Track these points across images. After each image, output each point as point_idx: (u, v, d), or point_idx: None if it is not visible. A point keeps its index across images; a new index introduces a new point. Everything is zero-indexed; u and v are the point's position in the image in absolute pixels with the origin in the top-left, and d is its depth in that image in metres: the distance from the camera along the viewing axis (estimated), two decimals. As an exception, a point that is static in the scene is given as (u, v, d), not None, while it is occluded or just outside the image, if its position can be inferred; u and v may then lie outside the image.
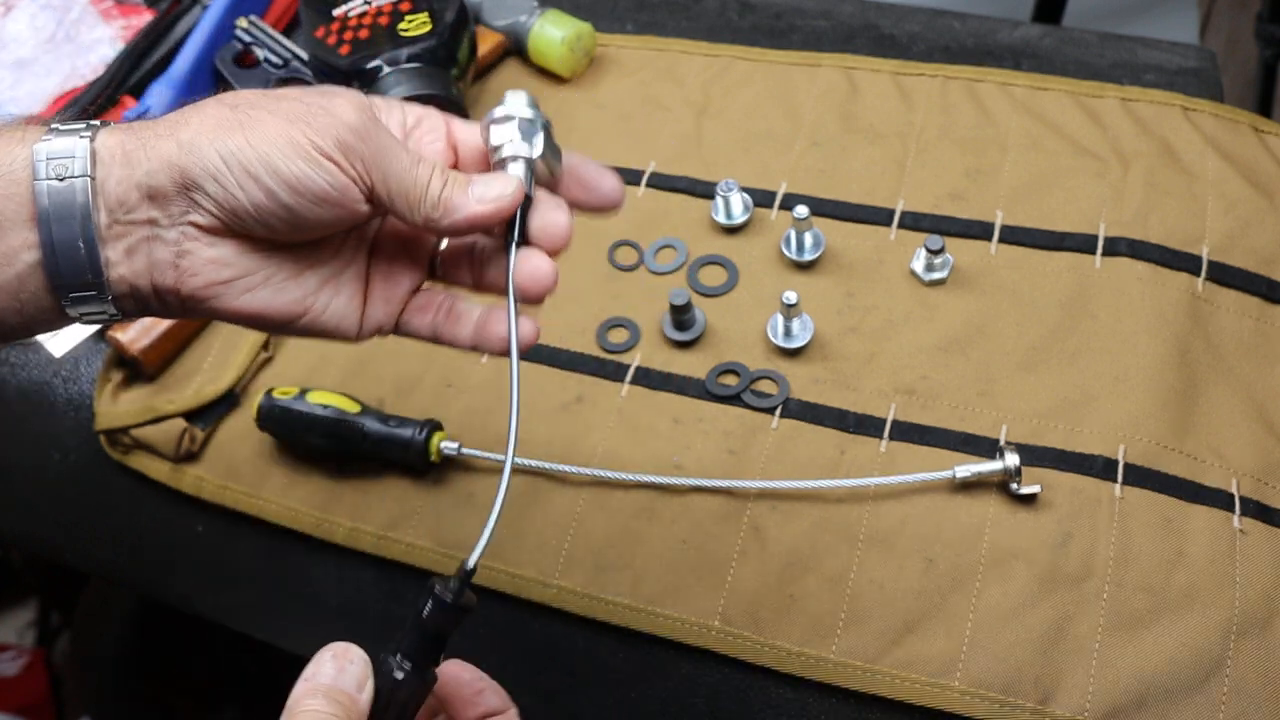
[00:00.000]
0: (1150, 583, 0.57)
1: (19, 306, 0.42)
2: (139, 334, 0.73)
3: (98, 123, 0.42)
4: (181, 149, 0.41)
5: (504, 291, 0.46)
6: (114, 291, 0.43)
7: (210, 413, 0.73)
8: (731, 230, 0.75)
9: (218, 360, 0.75)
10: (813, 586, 0.60)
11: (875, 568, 0.60)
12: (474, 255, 0.49)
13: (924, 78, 0.81)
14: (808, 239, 0.72)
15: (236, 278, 0.44)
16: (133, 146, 0.42)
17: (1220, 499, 0.59)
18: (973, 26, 0.87)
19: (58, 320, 0.43)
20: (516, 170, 0.45)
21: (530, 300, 0.47)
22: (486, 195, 0.44)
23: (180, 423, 0.71)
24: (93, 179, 0.41)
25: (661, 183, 0.79)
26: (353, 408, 0.67)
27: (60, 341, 0.77)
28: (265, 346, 0.75)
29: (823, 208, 0.75)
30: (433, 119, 0.47)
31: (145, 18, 0.93)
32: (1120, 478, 0.60)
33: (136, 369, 0.75)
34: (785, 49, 0.87)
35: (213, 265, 0.43)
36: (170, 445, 0.71)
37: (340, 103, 0.43)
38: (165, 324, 0.74)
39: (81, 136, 0.41)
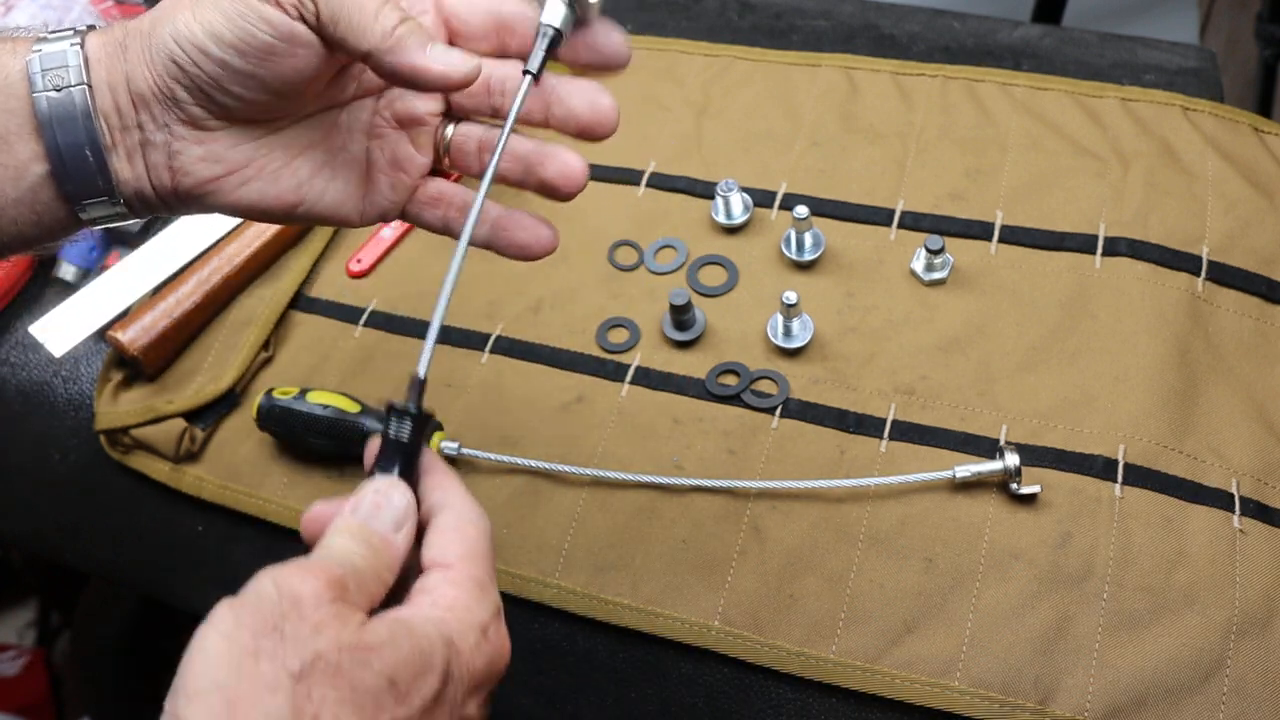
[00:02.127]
0: (1150, 583, 0.57)
1: (36, 218, 0.43)
2: (139, 334, 0.73)
3: (84, 27, 0.43)
4: (149, 44, 0.42)
5: (519, 178, 0.47)
6: (122, 194, 0.43)
7: (210, 413, 0.73)
8: (731, 230, 0.75)
9: (218, 360, 0.75)
10: (813, 586, 0.60)
11: (875, 568, 0.60)
12: (482, 144, 0.49)
13: (924, 78, 0.81)
14: (808, 239, 0.72)
15: (228, 173, 0.44)
16: (115, 50, 0.42)
17: (1220, 499, 0.59)
18: (973, 26, 0.87)
19: (73, 226, 0.44)
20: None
21: (561, 196, 0.47)
22: (440, 55, 0.42)
23: (180, 423, 0.71)
24: (90, 86, 0.41)
25: (661, 183, 0.79)
26: (353, 408, 0.67)
27: (60, 341, 0.77)
28: (265, 346, 0.75)
29: (823, 208, 0.75)
30: None
31: (145, 18, 0.93)
32: (1120, 478, 0.60)
33: (136, 369, 0.75)
34: (785, 49, 0.87)
35: (203, 163, 0.44)
36: (170, 445, 0.71)
37: None
38: (165, 324, 0.74)
39: (72, 44, 0.42)
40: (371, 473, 0.43)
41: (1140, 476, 0.60)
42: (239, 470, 0.71)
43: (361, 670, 0.35)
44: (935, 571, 0.59)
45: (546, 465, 0.65)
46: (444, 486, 0.43)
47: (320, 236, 0.80)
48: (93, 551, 0.75)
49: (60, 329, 0.77)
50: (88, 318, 0.77)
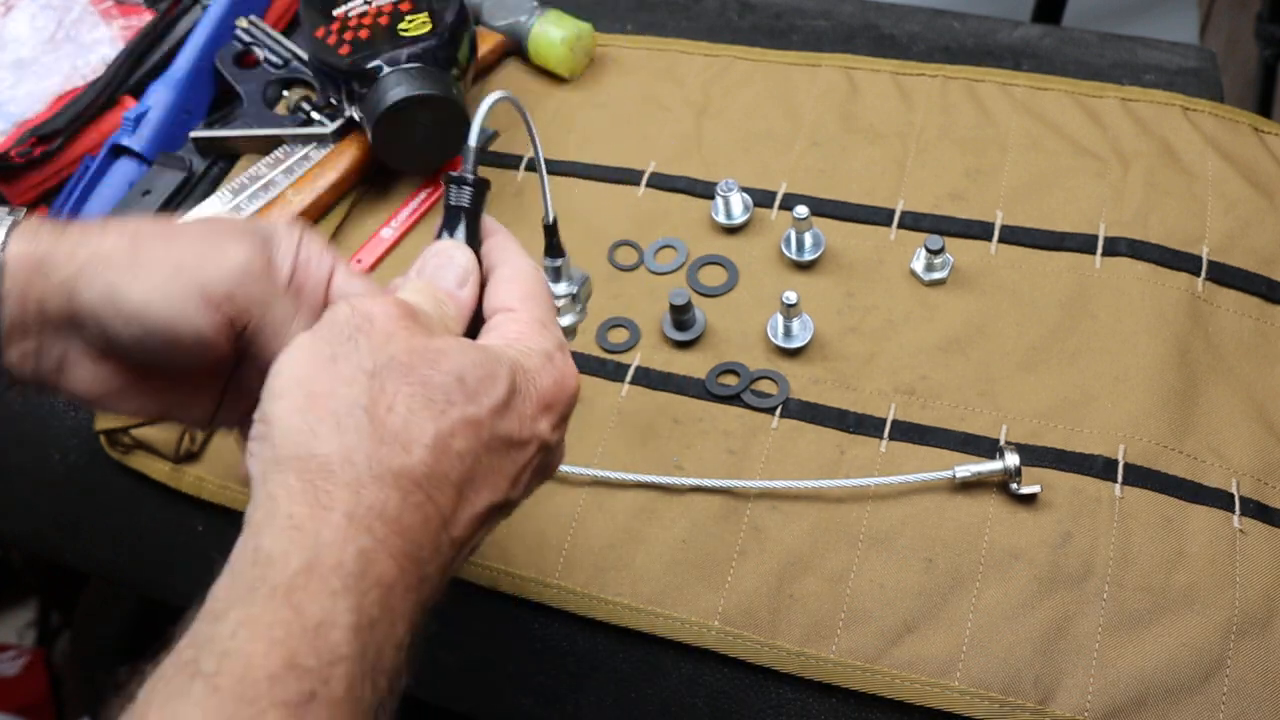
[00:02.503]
0: (1150, 583, 0.57)
1: None
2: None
3: (17, 216, 0.44)
4: (75, 278, 0.43)
5: None
6: (11, 375, 0.45)
7: (210, 413, 0.73)
8: (731, 230, 0.75)
9: (218, 360, 0.75)
10: (813, 586, 0.60)
11: (875, 568, 0.60)
12: None
13: (924, 78, 0.81)
14: (808, 239, 0.72)
15: (109, 392, 0.47)
16: (34, 269, 0.43)
17: (1220, 499, 0.59)
18: (973, 26, 0.87)
19: None
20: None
21: None
22: None
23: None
24: (1, 286, 0.43)
25: (661, 183, 0.79)
26: None
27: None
28: (265, 346, 0.75)
29: (823, 208, 0.75)
30: (321, 260, 0.46)
31: (145, 18, 0.93)
32: (1120, 478, 0.60)
33: (136, 369, 0.75)
34: (785, 49, 0.87)
35: (87, 381, 0.46)
36: (170, 445, 0.71)
37: (233, 247, 0.43)
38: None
39: None
40: (438, 238, 0.46)
41: (1140, 476, 0.60)
42: (239, 470, 0.71)
43: (430, 369, 0.38)
44: (935, 571, 0.59)
45: (546, 465, 0.65)
46: (502, 246, 0.46)
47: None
48: (93, 551, 0.75)
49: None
50: (88, 317, 0.77)
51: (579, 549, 0.63)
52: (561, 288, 0.58)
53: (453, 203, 0.46)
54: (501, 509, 0.41)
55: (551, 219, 0.54)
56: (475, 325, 0.45)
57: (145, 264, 0.43)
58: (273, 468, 0.37)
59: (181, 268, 0.43)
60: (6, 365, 0.44)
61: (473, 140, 0.46)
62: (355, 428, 0.37)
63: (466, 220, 0.46)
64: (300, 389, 0.37)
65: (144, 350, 0.44)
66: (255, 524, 0.36)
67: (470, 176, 0.45)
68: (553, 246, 0.56)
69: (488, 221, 0.47)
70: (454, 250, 0.45)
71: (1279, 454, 0.61)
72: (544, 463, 0.43)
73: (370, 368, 0.38)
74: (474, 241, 0.46)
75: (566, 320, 0.58)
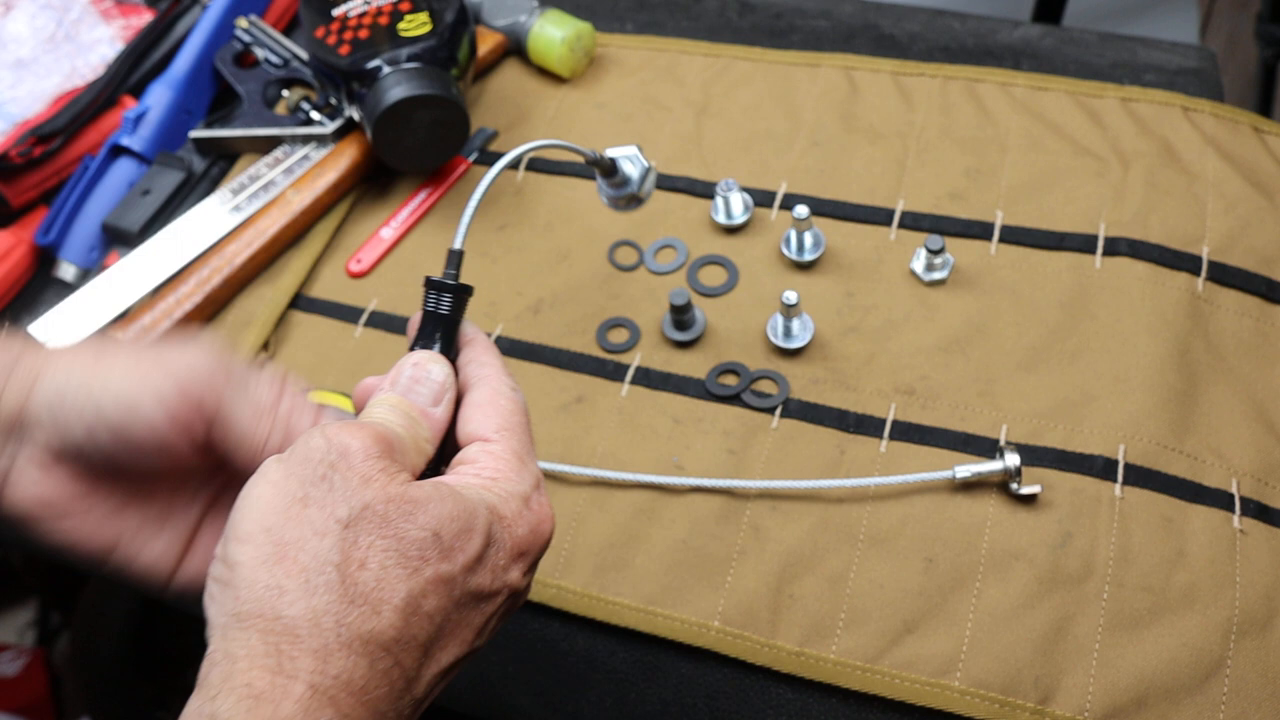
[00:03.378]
0: (1150, 583, 0.57)
1: None
2: (139, 334, 0.73)
3: None
4: (32, 378, 0.41)
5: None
6: None
7: (210, 413, 0.73)
8: (731, 230, 0.75)
9: (218, 360, 0.75)
10: (813, 586, 0.60)
11: (875, 568, 0.60)
12: None
13: (924, 78, 0.81)
14: (808, 239, 0.72)
15: (57, 502, 0.43)
16: None
17: (1220, 499, 0.59)
18: (973, 26, 0.87)
19: None
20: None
21: None
22: None
23: (180, 423, 0.71)
24: None
25: (662, 183, 0.79)
26: (352, 407, 0.67)
27: (60, 341, 0.77)
28: (265, 346, 0.75)
29: (823, 208, 0.75)
30: (288, 385, 0.44)
31: (145, 18, 0.93)
32: (1120, 478, 0.60)
33: (136, 369, 0.75)
34: (785, 49, 0.87)
35: (34, 492, 0.42)
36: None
37: (194, 345, 0.42)
38: (165, 324, 0.74)
39: None
40: (413, 347, 0.43)
41: (1140, 476, 0.60)
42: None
43: (407, 522, 0.36)
44: (935, 571, 0.59)
45: (546, 465, 0.65)
46: (481, 360, 0.44)
47: (320, 236, 0.80)
48: (93, 551, 0.75)
49: (60, 329, 0.77)
50: (88, 318, 0.77)
51: (579, 549, 0.63)
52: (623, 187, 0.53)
53: (430, 309, 0.43)
54: (466, 659, 0.39)
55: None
56: (447, 443, 0.43)
57: (106, 364, 0.41)
58: (234, 623, 0.34)
59: (144, 357, 0.41)
60: None
61: (458, 243, 0.43)
62: (325, 587, 0.34)
63: (444, 329, 0.43)
64: (268, 536, 0.35)
65: (98, 454, 0.41)
66: (211, 685, 0.33)
67: (451, 283, 0.43)
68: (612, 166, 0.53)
69: (466, 328, 0.44)
70: (430, 364, 0.42)
71: (1279, 454, 0.61)
72: (510, 608, 0.41)
73: (344, 517, 0.36)
74: (450, 350, 0.44)
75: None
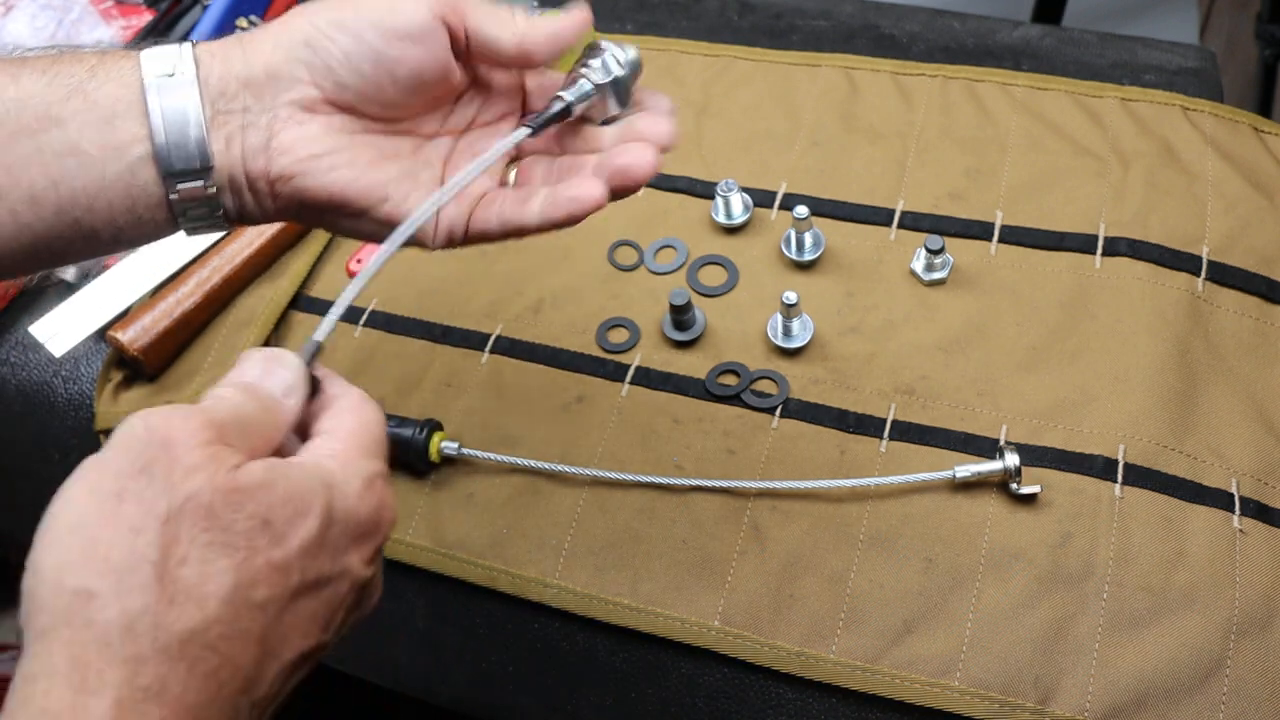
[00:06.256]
0: (1150, 583, 0.57)
1: (130, 203, 0.44)
2: (139, 334, 0.73)
3: (192, 40, 0.46)
4: (279, 30, 0.45)
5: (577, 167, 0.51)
6: (216, 179, 0.45)
7: (210, 413, 0.73)
8: (731, 230, 0.75)
9: (218, 360, 0.75)
10: (813, 586, 0.60)
11: (875, 568, 0.60)
12: (544, 178, 0.51)
13: (924, 78, 0.81)
14: (808, 239, 0.72)
15: (323, 153, 0.45)
16: (230, 45, 0.45)
17: (1220, 499, 0.59)
18: (973, 26, 0.87)
19: (165, 223, 0.46)
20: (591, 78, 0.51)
21: (625, 188, 0.51)
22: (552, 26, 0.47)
23: (180, 423, 0.71)
24: (198, 66, 0.44)
25: (661, 183, 0.79)
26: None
27: (61, 341, 0.77)
28: (265, 346, 0.75)
29: (823, 208, 0.75)
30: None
31: (145, 18, 0.93)
32: (1120, 478, 0.60)
33: (136, 369, 0.75)
34: (785, 49, 0.87)
35: (300, 141, 0.45)
36: (170, 445, 0.71)
37: None
38: (165, 324, 0.74)
39: (180, 45, 0.45)
40: None
41: (1140, 476, 0.60)
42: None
43: (235, 512, 0.34)
44: (935, 571, 0.59)
45: (546, 465, 0.65)
46: (345, 389, 0.42)
47: (320, 236, 0.80)
48: (93, 551, 0.75)
49: (61, 329, 0.77)
50: (88, 318, 0.77)
51: (579, 549, 0.63)
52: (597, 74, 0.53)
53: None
54: (313, 655, 0.37)
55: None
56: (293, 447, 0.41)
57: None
58: (37, 639, 0.32)
59: None
60: (214, 166, 0.44)
61: (320, 335, 0.42)
62: (141, 588, 0.32)
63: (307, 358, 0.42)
64: (76, 537, 0.33)
65: (366, 64, 0.44)
66: (9, 711, 0.31)
67: (318, 341, 0.42)
68: None
69: (323, 370, 0.42)
70: (283, 355, 0.40)
71: (1279, 454, 0.61)
72: (359, 600, 0.39)
73: (164, 511, 0.33)
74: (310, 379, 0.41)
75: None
